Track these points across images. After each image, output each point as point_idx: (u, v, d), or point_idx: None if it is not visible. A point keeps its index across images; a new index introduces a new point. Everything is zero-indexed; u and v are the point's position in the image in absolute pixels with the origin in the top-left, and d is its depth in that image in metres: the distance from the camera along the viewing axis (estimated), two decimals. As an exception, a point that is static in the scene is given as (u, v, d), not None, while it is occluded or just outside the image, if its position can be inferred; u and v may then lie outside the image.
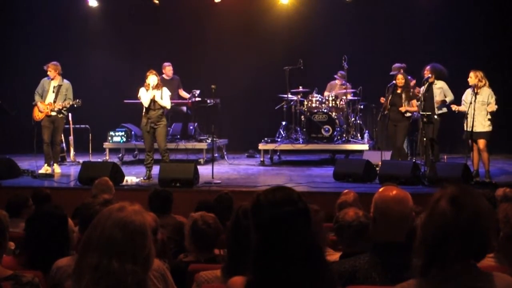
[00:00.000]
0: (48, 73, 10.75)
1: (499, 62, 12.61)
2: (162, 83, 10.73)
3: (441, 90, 10.23)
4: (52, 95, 10.75)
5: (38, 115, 10.75)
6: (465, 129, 9.49)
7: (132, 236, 2.12)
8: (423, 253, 2.24)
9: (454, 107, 9.74)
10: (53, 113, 10.71)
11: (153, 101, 9.88)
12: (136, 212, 2.19)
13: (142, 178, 9.89)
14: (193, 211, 4.86)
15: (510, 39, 13.03)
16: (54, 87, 10.77)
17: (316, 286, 2.26)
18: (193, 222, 4.25)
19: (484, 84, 9.41)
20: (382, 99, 10.67)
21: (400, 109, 10.44)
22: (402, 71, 10.97)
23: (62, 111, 10.79)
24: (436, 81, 10.24)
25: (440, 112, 10.23)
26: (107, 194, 5.66)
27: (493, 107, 9.35)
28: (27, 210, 5.59)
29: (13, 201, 5.69)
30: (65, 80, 10.89)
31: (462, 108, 9.59)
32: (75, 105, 10.81)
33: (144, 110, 9.97)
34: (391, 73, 11.36)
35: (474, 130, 9.38)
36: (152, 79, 9.89)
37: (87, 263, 2.08)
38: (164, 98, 9.95)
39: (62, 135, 11.97)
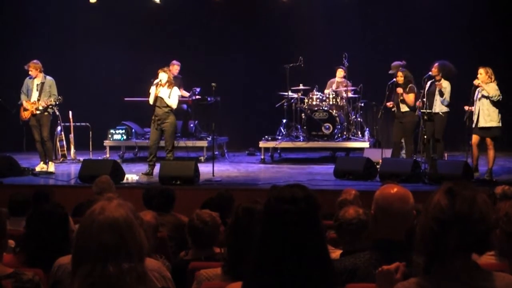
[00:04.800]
0: (30, 72, 10.60)
1: (497, 59, 12.57)
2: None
3: (444, 90, 10.14)
4: (36, 93, 10.62)
5: (24, 114, 10.67)
6: (473, 125, 9.51)
7: (121, 234, 2.03)
8: (423, 249, 2.23)
9: (467, 108, 9.65)
10: (38, 112, 10.58)
11: (158, 98, 9.89)
12: (117, 207, 2.08)
13: (141, 174, 9.94)
14: (193, 209, 4.85)
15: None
16: (37, 85, 10.64)
17: (316, 285, 2.26)
18: (189, 220, 4.26)
19: (492, 81, 9.41)
20: (390, 104, 10.55)
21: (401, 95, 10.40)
22: (402, 68, 10.94)
23: (48, 109, 10.68)
24: (442, 80, 10.19)
25: (445, 110, 10.16)
26: (111, 193, 5.69)
27: (497, 97, 9.32)
28: (29, 208, 5.56)
29: (15, 199, 5.63)
30: (47, 77, 10.75)
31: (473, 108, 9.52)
32: (57, 102, 10.63)
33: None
34: (390, 71, 11.32)
35: (482, 126, 9.38)
36: (160, 76, 9.90)
37: (82, 273, 2.01)
38: (172, 97, 9.95)
39: (63, 133, 11.98)
